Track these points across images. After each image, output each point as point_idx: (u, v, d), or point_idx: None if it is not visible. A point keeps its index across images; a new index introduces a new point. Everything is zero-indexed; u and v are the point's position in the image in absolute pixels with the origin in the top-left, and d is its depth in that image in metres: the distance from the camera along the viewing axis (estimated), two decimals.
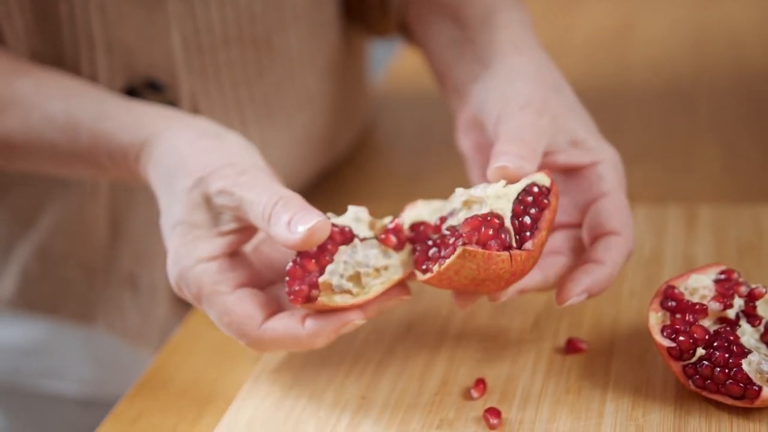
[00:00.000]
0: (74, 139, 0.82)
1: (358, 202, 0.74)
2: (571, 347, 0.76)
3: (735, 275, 0.71)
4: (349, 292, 0.70)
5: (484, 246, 0.67)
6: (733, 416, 0.67)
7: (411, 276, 0.72)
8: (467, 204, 0.72)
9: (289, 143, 1.01)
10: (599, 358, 0.74)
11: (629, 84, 1.27)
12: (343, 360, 0.78)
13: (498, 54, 0.82)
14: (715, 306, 0.69)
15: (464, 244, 0.67)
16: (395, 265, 0.72)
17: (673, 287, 0.71)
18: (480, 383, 0.73)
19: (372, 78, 1.25)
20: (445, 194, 0.82)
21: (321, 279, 0.70)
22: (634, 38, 1.41)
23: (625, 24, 1.46)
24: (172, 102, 0.92)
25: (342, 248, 0.71)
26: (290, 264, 0.71)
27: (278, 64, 0.96)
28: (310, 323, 0.71)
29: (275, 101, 0.97)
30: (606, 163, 0.75)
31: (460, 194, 0.73)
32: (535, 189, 0.70)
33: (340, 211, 0.75)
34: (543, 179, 0.71)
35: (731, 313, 0.69)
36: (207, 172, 0.74)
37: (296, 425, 0.71)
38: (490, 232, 0.68)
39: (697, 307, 0.69)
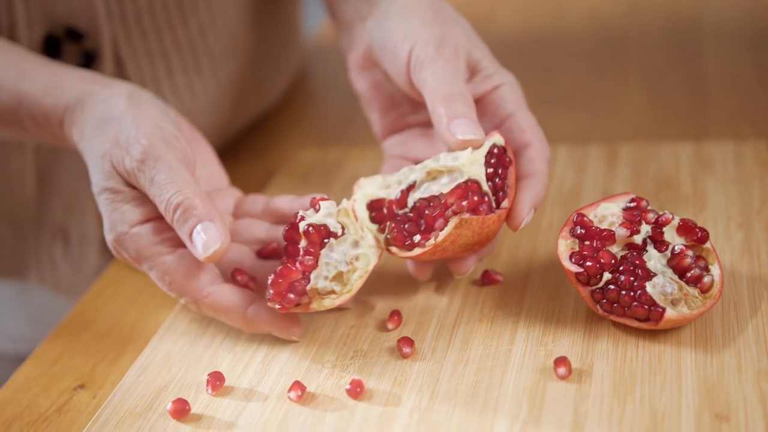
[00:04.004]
0: None
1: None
2: (487, 279, 0.77)
3: (644, 203, 0.72)
4: (333, 291, 0.70)
5: (475, 212, 0.69)
6: (639, 339, 0.68)
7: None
8: (430, 175, 0.73)
9: (216, 91, 1.01)
10: (514, 289, 0.75)
11: (563, 32, 1.28)
12: None
13: None
14: (622, 232, 0.70)
15: (455, 213, 0.69)
16: (365, 252, 0.72)
17: (583, 215, 0.71)
18: (395, 315, 0.73)
19: (306, 28, 1.25)
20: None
21: (309, 287, 0.69)
22: None
23: None
24: (94, 49, 0.92)
25: (322, 252, 0.70)
26: (272, 276, 0.69)
27: (201, 8, 0.95)
28: (254, 311, 0.71)
29: (200, 47, 0.97)
30: (506, 86, 0.77)
31: (421, 167, 0.73)
32: (496, 150, 0.72)
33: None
34: (499, 140, 0.73)
35: (638, 239, 0.70)
36: (117, 145, 0.73)
37: (211, 360, 0.72)
38: (476, 198, 0.70)
39: (605, 233, 0.70)
